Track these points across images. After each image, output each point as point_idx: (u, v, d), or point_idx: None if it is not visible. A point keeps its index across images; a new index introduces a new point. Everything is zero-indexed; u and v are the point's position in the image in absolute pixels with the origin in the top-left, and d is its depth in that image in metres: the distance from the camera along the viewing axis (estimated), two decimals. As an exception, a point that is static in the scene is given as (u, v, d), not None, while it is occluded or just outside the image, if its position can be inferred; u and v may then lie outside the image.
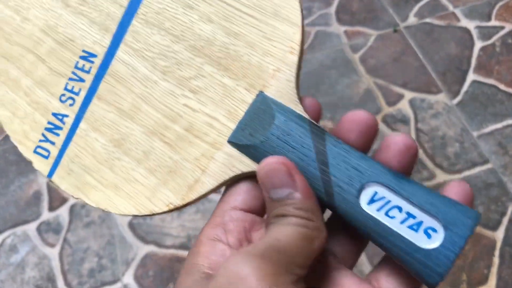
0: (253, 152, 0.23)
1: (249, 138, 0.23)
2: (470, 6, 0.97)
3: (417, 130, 0.83)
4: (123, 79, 0.26)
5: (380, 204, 0.21)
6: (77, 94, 0.26)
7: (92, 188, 0.25)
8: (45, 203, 0.81)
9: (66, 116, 0.26)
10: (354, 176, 0.22)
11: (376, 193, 0.21)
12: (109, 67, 0.26)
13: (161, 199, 0.25)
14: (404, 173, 0.22)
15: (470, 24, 0.95)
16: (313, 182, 0.22)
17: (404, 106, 0.85)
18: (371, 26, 0.96)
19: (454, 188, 0.22)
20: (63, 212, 0.80)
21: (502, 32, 0.93)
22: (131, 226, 0.77)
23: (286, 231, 0.20)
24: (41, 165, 0.26)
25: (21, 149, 0.27)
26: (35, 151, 0.26)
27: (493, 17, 0.95)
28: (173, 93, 0.25)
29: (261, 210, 0.24)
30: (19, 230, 0.79)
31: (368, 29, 0.96)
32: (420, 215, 0.21)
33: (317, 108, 0.24)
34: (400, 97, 0.87)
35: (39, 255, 0.76)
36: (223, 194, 0.24)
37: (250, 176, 0.23)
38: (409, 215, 0.21)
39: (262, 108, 0.23)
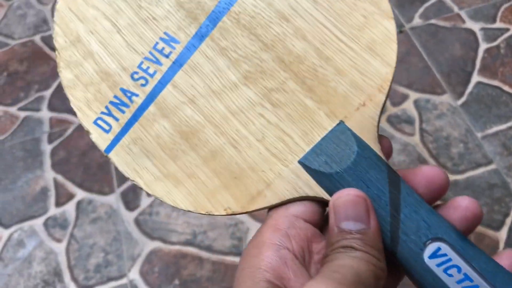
0: (324, 179, 0.23)
1: (323, 166, 0.23)
2: (475, 8, 0.98)
3: (422, 130, 0.84)
4: (202, 73, 0.25)
5: (441, 260, 0.21)
6: (151, 75, 0.25)
7: (150, 174, 0.25)
8: (52, 199, 0.82)
9: (136, 95, 0.25)
10: (422, 228, 0.22)
11: (439, 249, 0.21)
12: (190, 58, 0.25)
13: (221, 202, 0.24)
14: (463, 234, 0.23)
15: (475, 26, 0.95)
16: (382, 224, 0.22)
17: (409, 106, 0.86)
18: (377, 27, 0.96)
19: (508, 259, 0.22)
20: (69, 208, 0.81)
21: (506, 34, 0.93)
22: (137, 222, 0.78)
23: (361, 266, 0.20)
24: (99, 138, 0.25)
25: (80, 116, 0.25)
26: (95, 122, 0.25)
27: (498, 19, 0.96)
28: (251, 100, 0.24)
29: (319, 226, 0.23)
30: (26, 225, 0.80)
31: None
32: (477, 280, 0.21)
33: (390, 150, 0.24)
34: (405, 97, 0.87)
35: (46, 250, 0.77)
36: None
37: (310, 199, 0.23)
38: (467, 277, 0.21)
39: (342, 139, 0.23)
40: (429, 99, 0.87)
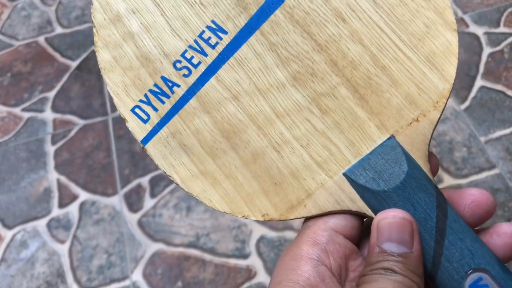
0: (369, 195, 0.22)
1: (370, 182, 0.22)
2: (479, 12, 0.98)
3: (425, 134, 0.84)
4: (249, 68, 0.23)
5: None
6: (195, 66, 0.23)
7: (187, 170, 0.23)
8: (55, 200, 0.82)
9: (178, 85, 0.24)
10: (466, 257, 0.21)
11: (481, 279, 0.21)
12: (238, 51, 0.23)
13: (259, 207, 0.23)
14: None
15: (479, 30, 0.95)
16: (425, 248, 0.21)
17: (412, 110, 0.86)
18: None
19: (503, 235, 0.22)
20: (73, 209, 0.81)
21: (510, 39, 0.93)
22: (140, 224, 0.78)
23: None
24: (136, 128, 0.24)
25: (117, 102, 0.24)
26: (132, 110, 0.24)
27: (501, 23, 0.96)
28: (299, 103, 0.23)
29: (356, 241, 0.23)
30: (29, 226, 0.80)
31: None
32: None
33: (437, 168, 0.24)
34: (409, 101, 0.87)
35: (49, 251, 0.77)
36: None
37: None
38: None
39: (392, 156, 0.22)
40: (432, 103, 0.87)
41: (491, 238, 0.22)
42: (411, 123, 0.22)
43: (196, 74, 0.23)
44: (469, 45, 0.93)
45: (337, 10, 0.23)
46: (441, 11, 0.23)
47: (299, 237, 0.22)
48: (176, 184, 0.23)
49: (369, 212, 0.22)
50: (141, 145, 0.24)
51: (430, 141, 0.22)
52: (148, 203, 0.80)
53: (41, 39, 1.03)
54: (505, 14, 0.97)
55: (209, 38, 0.24)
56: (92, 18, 0.24)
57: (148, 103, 0.24)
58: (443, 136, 0.83)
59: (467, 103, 0.86)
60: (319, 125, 0.23)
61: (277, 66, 0.23)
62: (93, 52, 1.00)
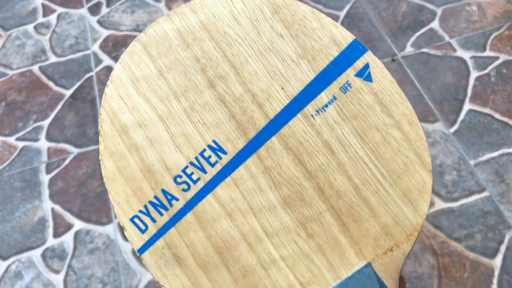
0: None
1: None
2: (466, 36, 1.00)
3: (416, 158, 0.85)
4: (244, 188, 0.25)
5: None
6: (194, 182, 0.25)
7: (180, 282, 0.24)
8: (50, 229, 0.82)
9: (176, 199, 0.25)
10: None
11: None
12: (235, 171, 0.25)
13: None
14: None
15: (466, 54, 0.97)
16: None
17: (402, 134, 0.87)
18: (370, 56, 0.98)
19: None
20: (67, 238, 0.81)
21: (496, 62, 0.95)
22: (135, 252, 0.78)
23: None
24: (134, 237, 0.25)
25: (117, 211, 0.25)
26: (131, 220, 0.25)
27: (488, 47, 0.98)
28: (288, 225, 0.24)
29: None
30: (24, 256, 0.80)
31: (366, 59, 0.98)
32: None
33: None
34: (399, 125, 0.89)
35: (44, 281, 0.77)
36: None
37: None
38: None
39: (368, 284, 0.23)
40: (422, 127, 0.88)
41: None
42: (386, 252, 0.24)
43: (194, 189, 0.25)
44: (456, 69, 0.95)
45: (327, 143, 0.25)
46: (420, 153, 0.25)
47: None
48: None
49: None
50: (138, 254, 0.25)
51: (401, 270, 0.24)
52: (143, 231, 0.80)
53: (35, 68, 1.04)
54: (491, 38, 0.99)
55: (210, 156, 0.25)
56: (100, 128, 0.25)
57: (147, 214, 0.25)
58: (433, 160, 0.84)
59: (456, 127, 0.88)
60: (304, 247, 0.24)
61: (270, 188, 0.25)
62: (87, 80, 1.01)
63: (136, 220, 0.25)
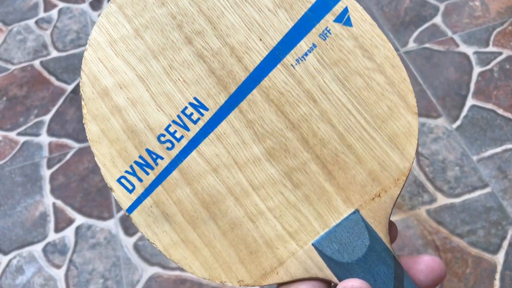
0: (334, 265, 0.24)
1: (336, 254, 0.24)
2: (469, 32, 0.99)
3: (418, 154, 0.85)
4: (228, 143, 0.25)
5: None
6: (178, 140, 0.25)
7: (169, 238, 0.25)
8: (51, 224, 0.82)
9: (161, 158, 0.25)
10: None
11: None
12: (218, 127, 0.25)
13: (235, 273, 0.24)
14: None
15: (469, 50, 0.97)
16: None
17: (405, 130, 0.87)
18: (372, 51, 0.98)
19: (423, 263, 0.24)
20: (69, 233, 0.81)
21: (499, 58, 0.95)
22: (136, 248, 0.78)
23: None
24: (122, 197, 0.25)
25: (104, 173, 0.25)
26: (118, 180, 0.25)
27: (491, 43, 0.97)
28: (273, 176, 0.25)
29: None
30: (25, 251, 0.80)
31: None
32: None
33: (396, 235, 0.26)
34: (401, 121, 0.88)
35: (45, 276, 0.77)
36: None
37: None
38: None
39: (356, 230, 0.24)
40: (424, 122, 0.88)
41: (416, 274, 0.24)
42: (373, 198, 0.24)
43: (178, 147, 0.25)
44: (459, 65, 0.95)
45: (309, 92, 0.25)
46: (404, 95, 0.25)
47: None
48: (159, 250, 0.25)
49: (334, 279, 0.24)
50: (127, 214, 0.25)
51: (390, 215, 0.24)
52: (144, 226, 0.80)
53: (36, 63, 1.04)
54: (494, 33, 0.99)
55: (191, 114, 0.25)
56: (81, 92, 0.26)
57: (134, 174, 0.25)
58: (436, 155, 0.84)
59: (458, 122, 0.88)
60: (291, 198, 0.24)
61: (254, 142, 0.25)
62: (88, 75, 1.01)
63: (123, 180, 0.25)
